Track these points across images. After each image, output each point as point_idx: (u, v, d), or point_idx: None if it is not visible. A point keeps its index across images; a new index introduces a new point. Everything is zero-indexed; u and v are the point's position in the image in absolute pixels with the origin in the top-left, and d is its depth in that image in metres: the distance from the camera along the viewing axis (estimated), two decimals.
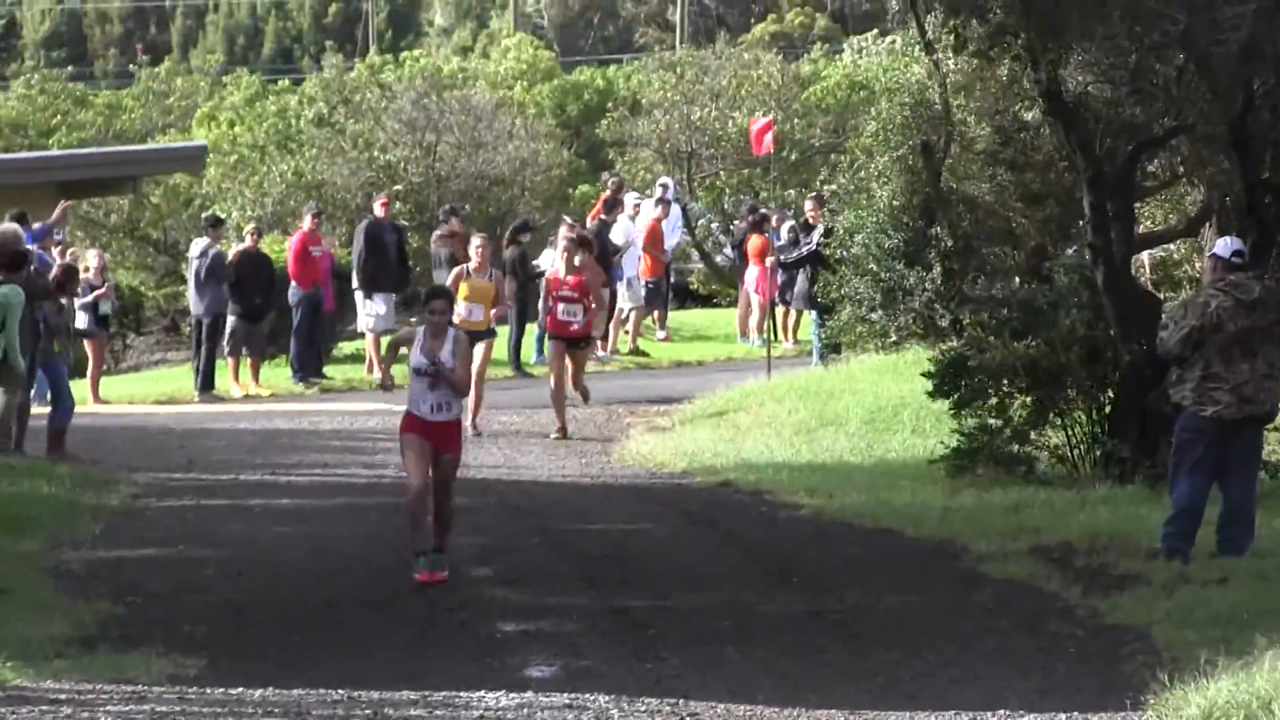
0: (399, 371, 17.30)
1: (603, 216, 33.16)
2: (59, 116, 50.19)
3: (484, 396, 24.12)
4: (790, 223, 32.64)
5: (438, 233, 31.85)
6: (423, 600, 13.91)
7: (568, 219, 30.62)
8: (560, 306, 23.57)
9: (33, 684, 10.39)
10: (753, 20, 56.66)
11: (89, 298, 26.54)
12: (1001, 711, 9.68)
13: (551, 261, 28.04)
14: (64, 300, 23.62)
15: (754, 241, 32.83)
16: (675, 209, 35.90)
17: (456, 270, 24.37)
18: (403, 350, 15.70)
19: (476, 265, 25.18)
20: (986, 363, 19.93)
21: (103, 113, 51.53)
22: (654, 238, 34.31)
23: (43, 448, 21.68)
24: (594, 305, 24.94)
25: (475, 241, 25.43)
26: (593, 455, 23.40)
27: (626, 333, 33.07)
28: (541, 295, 24.89)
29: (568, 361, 24.06)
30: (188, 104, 51.07)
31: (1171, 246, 25.46)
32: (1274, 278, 17.47)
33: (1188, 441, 16.10)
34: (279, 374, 30.70)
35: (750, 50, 48.81)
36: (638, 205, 34.72)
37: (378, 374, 29.25)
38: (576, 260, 24.52)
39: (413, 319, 30.68)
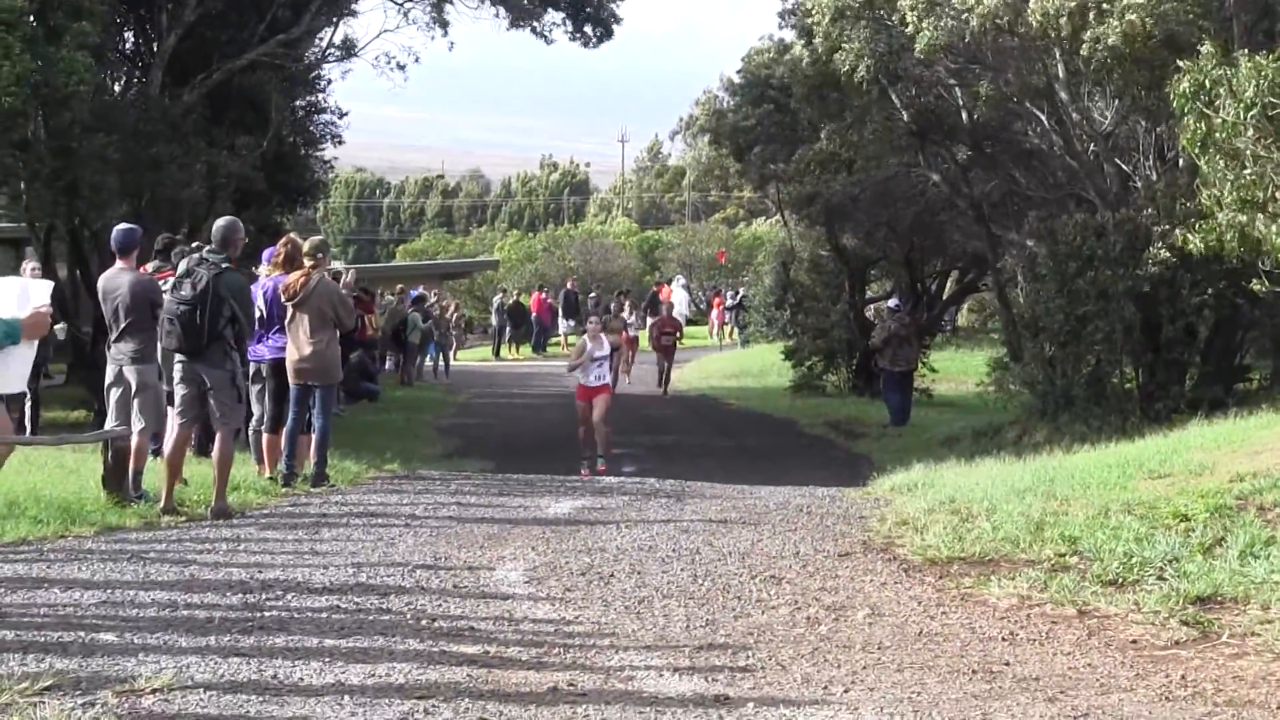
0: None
1: (655, 290, 33.07)
2: (442, 248, 50.12)
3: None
4: (730, 291, 32.48)
5: (591, 295, 31.59)
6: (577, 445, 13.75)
7: (629, 292, 29.59)
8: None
9: (425, 472, 10.37)
10: (716, 210, 56.09)
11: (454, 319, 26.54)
12: (810, 486, 9.50)
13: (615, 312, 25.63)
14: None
15: (716, 298, 32.70)
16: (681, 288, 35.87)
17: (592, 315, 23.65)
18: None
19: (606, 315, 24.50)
20: (806, 349, 19.74)
21: (458, 246, 51.36)
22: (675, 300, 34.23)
23: (435, 381, 21.69)
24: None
25: (602, 301, 24.89)
26: (650, 385, 23.22)
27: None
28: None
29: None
30: (491, 243, 50.72)
31: (882, 303, 25.12)
32: (914, 318, 17.37)
33: (888, 381, 15.95)
34: (526, 349, 30.39)
35: (715, 223, 48.34)
36: (683, 286, 35.07)
37: (567, 351, 29.01)
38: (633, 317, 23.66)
39: (582, 330, 30.44)
